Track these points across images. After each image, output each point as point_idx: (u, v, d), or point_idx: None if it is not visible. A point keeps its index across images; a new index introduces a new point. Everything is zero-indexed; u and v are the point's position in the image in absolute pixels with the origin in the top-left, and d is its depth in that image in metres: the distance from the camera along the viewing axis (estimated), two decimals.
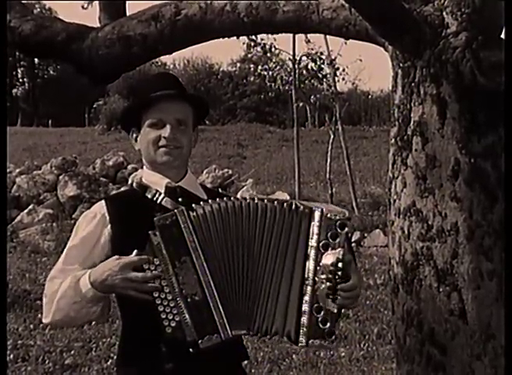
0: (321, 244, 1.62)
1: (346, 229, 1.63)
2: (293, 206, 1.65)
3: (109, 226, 1.74)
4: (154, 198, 1.77)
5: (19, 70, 43.73)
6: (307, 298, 1.62)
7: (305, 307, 1.61)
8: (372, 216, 9.71)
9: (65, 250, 1.76)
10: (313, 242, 1.62)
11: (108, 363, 4.42)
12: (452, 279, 2.08)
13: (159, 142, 1.76)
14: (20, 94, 44.26)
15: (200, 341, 1.61)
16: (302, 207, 1.65)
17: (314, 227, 1.62)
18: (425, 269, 2.12)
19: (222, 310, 1.62)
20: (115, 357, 4.04)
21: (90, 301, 1.67)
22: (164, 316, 1.61)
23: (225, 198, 1.70)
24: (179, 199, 1.76)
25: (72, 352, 4.65)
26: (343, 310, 1.69)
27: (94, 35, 2.75)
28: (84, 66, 2.79)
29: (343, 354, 4.65)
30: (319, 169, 14.43)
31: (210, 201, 1.67)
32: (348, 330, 5.18)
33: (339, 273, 1.60)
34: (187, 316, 1.61)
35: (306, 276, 1.62)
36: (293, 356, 4.58)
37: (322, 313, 1.61)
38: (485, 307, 2.08)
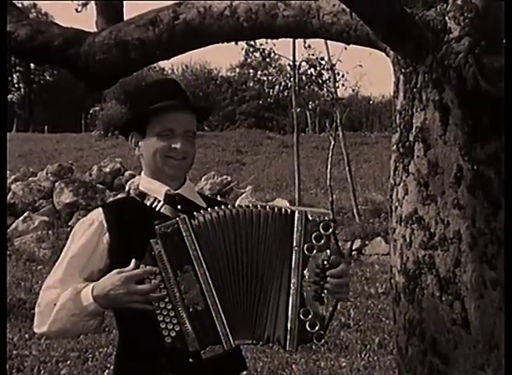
0: (305, 247, 1.63)
1: (331, 230, 1.64)
2: (282, 211, 1.66)
3: (107, 234, 1.71)
4: (153, 206, 1.75)
5: (14, 76, 43.78)
6: (294, 302, 1.62)
7: (292, 311, 1.62)
8: (373, 223, 9.66)
9: (65, 259, 1.72)
10: (298, 245, 1.63)
11: (105, 374, 4.37)
12: (454, 288, 2.06)
13: (168, 152, 1.75)
14: (16, 99, 44.26)
15: (202, 352, 1.59)
16: (288, 211, 1.66)
17: (298, 230, 1.63)
18: (427, 278, 2.09)
19: (224, 320, 1.60)
20: (111, 367, 4.00)
21: (89, 314, 1.65)
22: (164, 326, 1.59)
23: (223, 206, 1.68)
24: (178, 207, 1.75)
25: (68, 362, 4.60)
26: (334, 312, 1.69)
27: (90, 40, 2.73)
28: (81, 71, 2.77)
29: (343, 364, 4.59)
30: (319, 175, 14.40)
31: (210, 209, 1.66)
32: (349, 340, 5.13)
33: (326, 275, 1.63)
34: (189, 326, 1.58)
35: (293, 280, 1.62)
36: (293, 366, 4.53)
37: (310, 316, 1.63)
38: (488, 316, 2.05)
